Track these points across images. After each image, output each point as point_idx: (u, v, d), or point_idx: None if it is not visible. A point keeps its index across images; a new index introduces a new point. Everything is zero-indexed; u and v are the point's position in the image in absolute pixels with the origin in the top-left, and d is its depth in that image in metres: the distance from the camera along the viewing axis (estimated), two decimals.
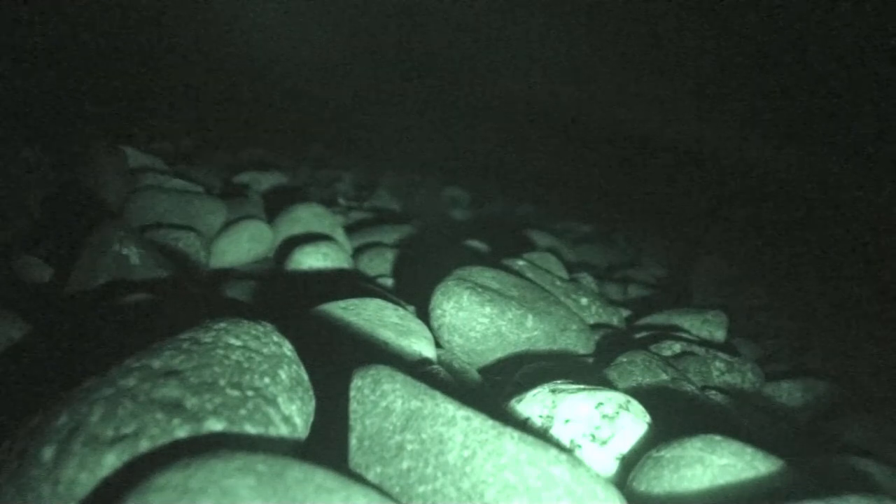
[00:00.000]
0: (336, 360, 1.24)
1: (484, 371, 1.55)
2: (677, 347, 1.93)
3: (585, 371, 1.59)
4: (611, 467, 1.02)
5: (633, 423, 1.05)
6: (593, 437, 1.03)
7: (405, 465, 0.82)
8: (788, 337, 3.01)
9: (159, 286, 1.49)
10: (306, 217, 2.45)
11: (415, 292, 1.95)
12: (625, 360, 1.53)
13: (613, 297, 3.03)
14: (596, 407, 1.06)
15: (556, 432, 1.05)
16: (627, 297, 3.13)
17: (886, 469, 1.33)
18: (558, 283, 2.04)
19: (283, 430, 0.82)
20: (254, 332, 0.93)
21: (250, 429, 0.78)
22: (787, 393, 2.03)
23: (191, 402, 0.77)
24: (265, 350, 0.90)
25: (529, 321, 1.57)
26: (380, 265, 2.39)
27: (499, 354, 1.55)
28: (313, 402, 0.93)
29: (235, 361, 0.86)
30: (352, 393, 0.92)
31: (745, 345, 2.56)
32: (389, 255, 2.44)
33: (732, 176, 6.57)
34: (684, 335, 2.09)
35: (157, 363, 0.82)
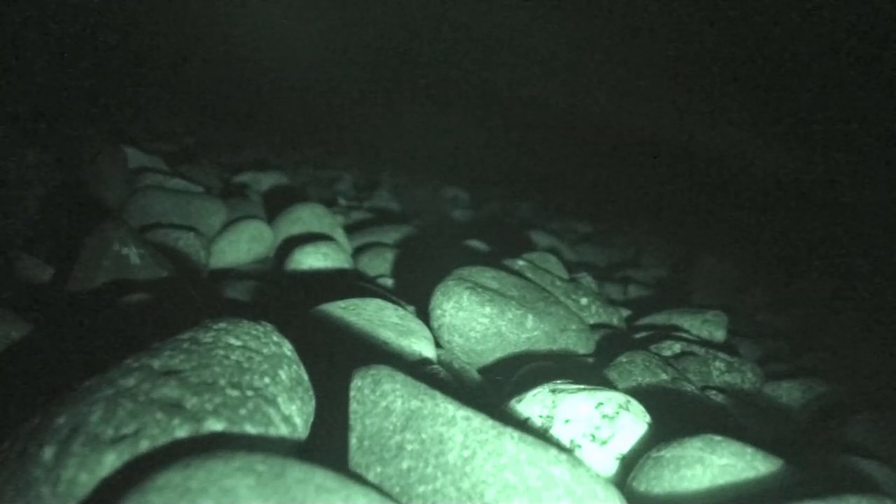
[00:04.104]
0: (336, 360, 1.24)
1: (484, 371, 1.55)
2: (677, 347, 1.93)
3: (585, 371, 1.59)
4: (611, 467, 1.02)
5: (633, 423, 1.05)
6: (593, 437, 1.03)
7: (405, 465, 0.82)
8: (788, 337, 3.01)
9: (159, 286, 1.49)
10: (306, 217, 2.45)
11: (415, 292, 1.95)
12: (625, 360, 1.54)
13: (613, 297, 3.03)
14: (596, 407, 1.06)
15: (556, 432, 1.05)
16: (627, 297, 3.13)
17: (886, 469, 1.33)
18: (558, 283, 2.04)
19: (283, 430, 0.82)
20: (254, 332, 0.93)
21: (250, 429, 0.78)
22: (787, 393, 2.03)
23: (191, 402, 0.77)
24: (265, 350, 0.90)
25: (529, 321, 1.57)
26: (380, 265, 2.39)
27: (499, 354, 1.55)
28: (313, 402, 0.93)
29: (235, 361, 0.86)
30: (352, 393, 0.92)
31: (745, 345, 2.56)
32: (389, 255, 2.44)
33: (733, 176, 6.57)
34: (684, 335, 2.09)
35: (157, 363, 0.82)
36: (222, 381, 0.82)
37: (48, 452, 0.70)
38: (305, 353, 1.00)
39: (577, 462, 0.78)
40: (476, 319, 1.52)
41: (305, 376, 0.94)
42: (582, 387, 1.12)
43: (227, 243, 2.22)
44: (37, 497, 0.67)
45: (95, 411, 0.73)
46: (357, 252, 2.51)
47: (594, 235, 4.90)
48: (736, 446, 0.94)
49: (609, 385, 1.41)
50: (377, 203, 4.06)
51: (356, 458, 0.88)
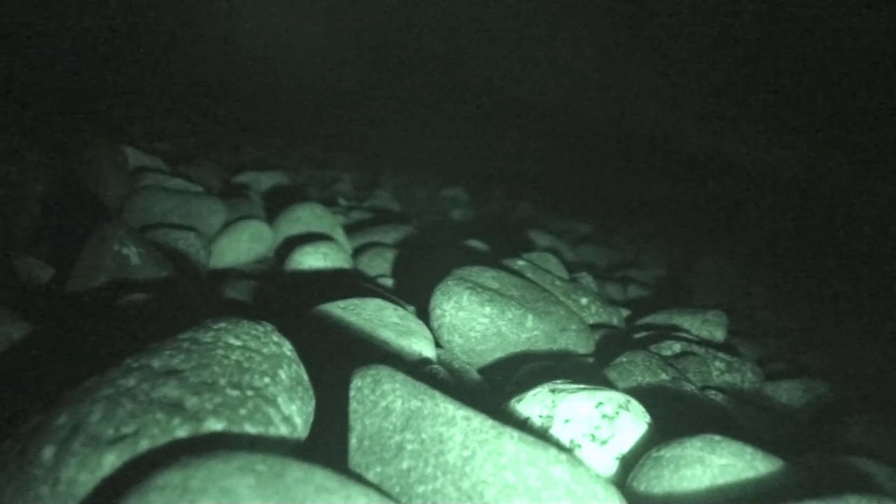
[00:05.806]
0: (336, 360, 1.24)
1: (484, 371, 1.55)
2: (677, 347, 1.93)
3: (585, 371, 1.59)
4: (611, 467, 1.02)
5: (633, 423, 1.05)
6: (593, 437, 1.03)
7: (405, 465, 0.82)
8: (788, 337, 3.01)
9: (159, 286, 1.48)
10: (306, 217, 2.45)
11: (415, 292, 1.95)
12: (625, 360, 1.54)
13: (613, 297, 3.03)
14: (596, 407, 1.06)
15: (556, 432, 1.05)
16: (627, 297, 3.13)
17: (886, 469, 1.33)
18: (558, 283, 2.04)
19: (283, 430, 0.82)
20: (254, 332, 0.93)
21: (250, 429, 0.78)
22: (787, 393, 2.03)
23: (191, 401, 0.77)
24: (265, 350, 0.90)
25: (529, 321, 1.57)
26: (380, 265, 2.39)
27: (499, 354, 1.55)
28: (313, 402, 0.93)
29: (235, 361, 0.86)
30: (352, 393, 0.92)
31: (745, 345, 2.56)
32: (389, 255, 2.44)
33: (733, 176, 6.57)
34: (684, 335, 2.09)
35: (157, 363, 0.82)
36: (222, 381, 0.82)
37: (48, 452, 0.70)
38: (305, 353, 1.00)
39: (577, 462, 0.78)
40: (476, 319, 1.52)
41: (305, 376, 0.94)
42: (582, 387, 1.12)
43: (227, 243, 2.22)
44: (37, 497, 0.67)
45: (95, 411, 0.73)
46: (357, 252, 2.51)
47: (594, 235, 4.91)
48: (736, 446, 0.94)
49: (609, 385, 1.41)
50: (377, 203, 4.06)
51: (356, 458, 0.88)
